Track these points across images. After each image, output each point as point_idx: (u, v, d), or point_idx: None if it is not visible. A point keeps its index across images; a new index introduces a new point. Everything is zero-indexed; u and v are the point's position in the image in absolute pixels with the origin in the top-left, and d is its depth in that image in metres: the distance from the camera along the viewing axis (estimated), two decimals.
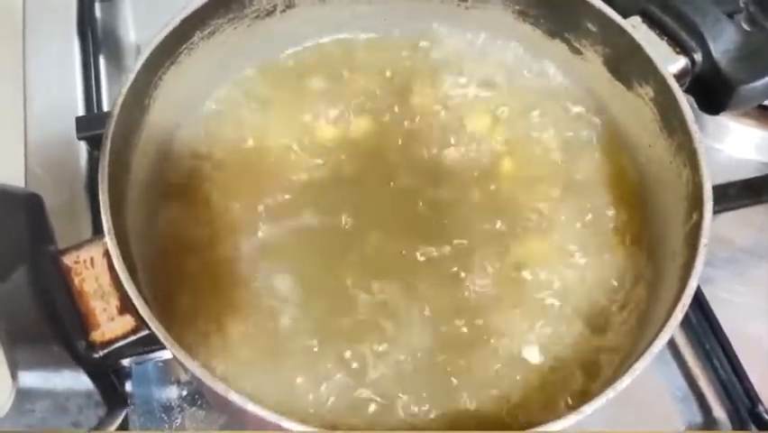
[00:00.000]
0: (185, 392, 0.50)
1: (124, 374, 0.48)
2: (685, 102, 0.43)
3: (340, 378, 0.42)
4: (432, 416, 0.41)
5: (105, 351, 0.37)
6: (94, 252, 0.38)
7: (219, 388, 0.34)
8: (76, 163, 0.59)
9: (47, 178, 0.58)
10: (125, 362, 0.40)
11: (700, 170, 0.41)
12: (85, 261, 0.37)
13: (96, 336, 0.37)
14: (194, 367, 0.35)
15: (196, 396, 0.50)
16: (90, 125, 0.56)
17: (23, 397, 0.34)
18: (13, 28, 0.66)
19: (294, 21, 0.52)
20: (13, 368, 0.34)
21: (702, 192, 0.40)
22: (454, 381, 0.42)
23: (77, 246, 0.38)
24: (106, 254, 0.37)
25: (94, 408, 0.35)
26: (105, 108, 0.61)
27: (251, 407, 0.34)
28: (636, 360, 0.36)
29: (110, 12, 0.69)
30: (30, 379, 0.34)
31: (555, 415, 0.35)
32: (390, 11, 0.53)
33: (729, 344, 0.52)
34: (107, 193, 0.38)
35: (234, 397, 0.34)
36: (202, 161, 0.49)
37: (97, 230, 0.54)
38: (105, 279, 0.37)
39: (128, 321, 0.37)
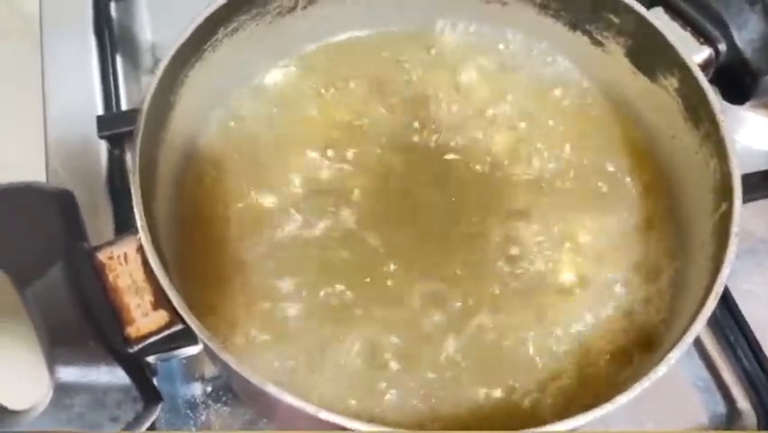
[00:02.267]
0: (209, 389, 0.51)
1: (150, 372, 0.49)
2: (711, 92, 0.43)
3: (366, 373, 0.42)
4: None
5: (140, 346, 0.37)
6: (127, 247, 0.38)
7: (254, 379, 0.34)
8: (96, 162, 0.59)
9: (67, 177, 0.58)
10: (151, 359, 0.41)
11: (729, 159, 0.41)
12: (119, 256, 0.37)
13: (131, 331, 0.37)
14: (228, 358, 0.35)
15: (221, 392, 0.51)
16: (111, 124, 0.56)
17: (62, 392, 0.34)
18: (29, 30, 0.66)
19: (315, 17, 0.52)
20: (51, 363, 0.34)
21: (731, 181, 0.40)
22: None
23: (111, 242, 0.38)
24: (140, 250, 0.37)
25: (131, 402, 0.35)
26: (124, 107, 0.61)
27: (286, 398, 0.34)
28: (671, 349, 0.36)
29: (126, 11, 0.69)
30: (67, 374, 0.34)
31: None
32: (409, 7, 0.53)
33: (753, 334, 0.52)
34: (139, 188, 0.38)
35: (271, 389, 0.34)
36: (226, 157, 0.49)
37: (120, 228, 0.55)
38: (139, 274, 0.37)
39: (162, 316, 0.37)
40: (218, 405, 0.50)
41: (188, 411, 0.50)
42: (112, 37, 0.65)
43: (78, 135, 0.60)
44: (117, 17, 0.68)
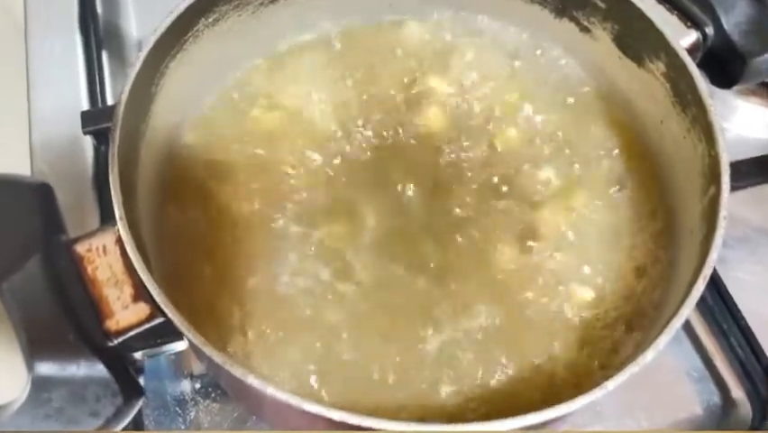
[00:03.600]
0: (198, 385, 0.50)
1: (137, 369, 0.49)
2: (699, 75, 0.42)
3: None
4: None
5: (120, 339, 0.36)
6: (106, 239, 0.37)
7: (237, 372, 0.34)
8: (81, 158, 0.59)
9: (53, 173, 0.58)
10: (138, 355, 0.40)
11: (716, 142, 0.40)
12: (97, 248, 0.37)
13: (111, 324, 0.36)
14: (210, 351, 0.34)
15: (210, 389, 0.50)
16: (95, 120, 0.55)
17: (40, 386, 0.34)
18: (14, 25, 0.65)
19: (298, 7, 0.51)
20: (29, 357, 0.34)
21: (719, 165, 0.40)
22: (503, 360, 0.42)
23: (90, 234, 0.38)
24: (119, 241, 0.37)
25: (111, 396, 0.35)
26: (110, 103, 0.61)
27: (270, 390, 0.34)
28: (659, 334, 0.35)
29: (111, 7, 0.68)
30: (46, 368, 0.34)
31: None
32: None
33: (746, 323, 0.52)
34: (118, 180, 0.37)
35: (253, 381, 0.33)
36: (210, 148, 0.48)
37: (105, 223, 0.54)
38: (119, 266, 0.37)
39: (142, 309, 0.37)
40: (207, 402, 0.50)
41: (177, 408, 0.50)
42: (97, 32, 0.65)
43: (64, 131, 0.59)
44: (103, 12, 0.67)
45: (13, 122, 0.60)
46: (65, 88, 0.62)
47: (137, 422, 0.47)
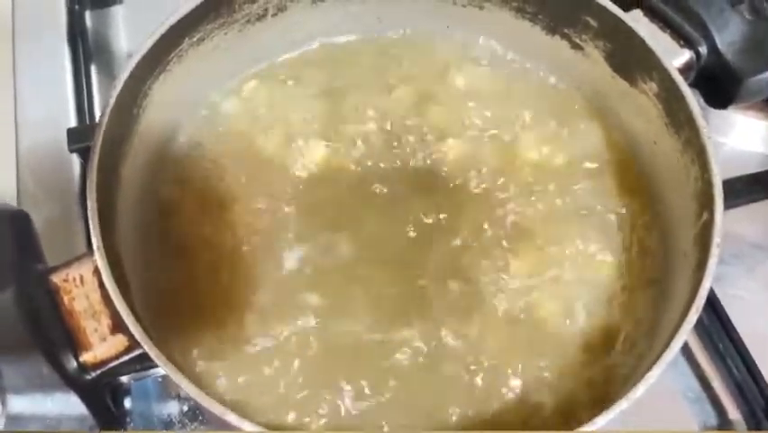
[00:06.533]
0: (185, 408, 0.49)
1: (123, 391, 0.48)
2: (691, 96, 0.41)
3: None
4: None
5: (98, 372, 0.36)
6: (83, 269, 0.36)
7: (216, 409, 0.33)
8: (68, 176, 0.58)
9: (39, 191, 0.57)
10: (124, 379, 0.39)
11: (710, 166, 0.40)
12: (74, 279, 0.36)
13: (88, 357, 0.36)
14: (187, 386, 0.33)
15: (197, 411, 0.49)
16: (82, 137, 0.54)
17: (13, 423, 0.33)
18: (2, 38, 0.65)
19: (286, 24, 0.50)
20: (2, 393, 0.33)
21: (712, 190, 0.39)
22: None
23: (67, 264, 0.37)
24: (96, 271, 0.36)
25: (87, 430, 0.34)
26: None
27: (247, 426, 0.33)
28: (650, 367, 0.34)
29: (101, 20, 0.67)
30: (19, 404, 0.33)
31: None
32: (384, 12, 0.52)
33: (743, 343, 0.51)
34: (96, 207, 0.37)
35: (231, 418, 0.33)
36: (197, 169, 0.48)
37: (91, 244, 0.53)
38: (96, 297, 0.36)
39: (121, 340, 0.36)
40: (194, 424, 0.49)
41: (164, 431, 0.49)
42: (86, 46, 0.64)
43: (51, 148, 0.59)
44: (92, 26, 0.67)
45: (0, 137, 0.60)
46: (53, 104, 0.62)
47: None
